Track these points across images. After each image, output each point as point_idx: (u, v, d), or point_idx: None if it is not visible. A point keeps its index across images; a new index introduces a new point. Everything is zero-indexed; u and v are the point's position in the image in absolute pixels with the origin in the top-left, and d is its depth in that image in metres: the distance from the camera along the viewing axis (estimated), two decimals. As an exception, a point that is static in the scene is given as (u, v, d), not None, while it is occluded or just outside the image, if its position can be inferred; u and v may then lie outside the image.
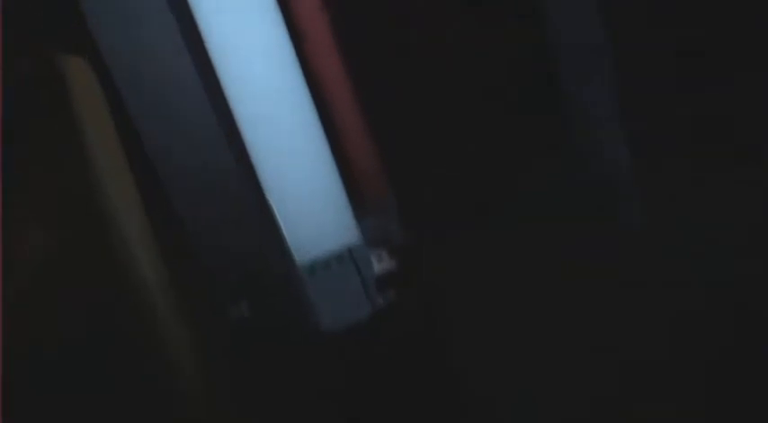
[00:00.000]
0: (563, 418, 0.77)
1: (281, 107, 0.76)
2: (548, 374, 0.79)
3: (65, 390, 0.69)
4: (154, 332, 0.70)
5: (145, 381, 0.71)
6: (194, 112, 0.74)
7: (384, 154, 0.85)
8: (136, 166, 0.75)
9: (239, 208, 0.76)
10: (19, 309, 0.66)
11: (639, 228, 0.87)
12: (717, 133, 0.87)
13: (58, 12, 0.73)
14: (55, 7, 0.73)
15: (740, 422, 0.76)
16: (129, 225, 0.71)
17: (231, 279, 0.76)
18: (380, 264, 0.79)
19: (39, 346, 0.68)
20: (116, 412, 0.68)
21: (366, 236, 0.80)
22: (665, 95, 0.87)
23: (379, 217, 0.81)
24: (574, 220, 0.86)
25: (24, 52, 0.73)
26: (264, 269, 0.76)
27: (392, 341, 0.78)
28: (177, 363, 0.71)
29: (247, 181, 0.77)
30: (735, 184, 0.86)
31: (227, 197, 0.76)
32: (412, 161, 0.87)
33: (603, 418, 0.77)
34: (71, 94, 0.71)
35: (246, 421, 0.74)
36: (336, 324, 0.78)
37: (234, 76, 0.75)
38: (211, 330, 0.75)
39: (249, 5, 0.72)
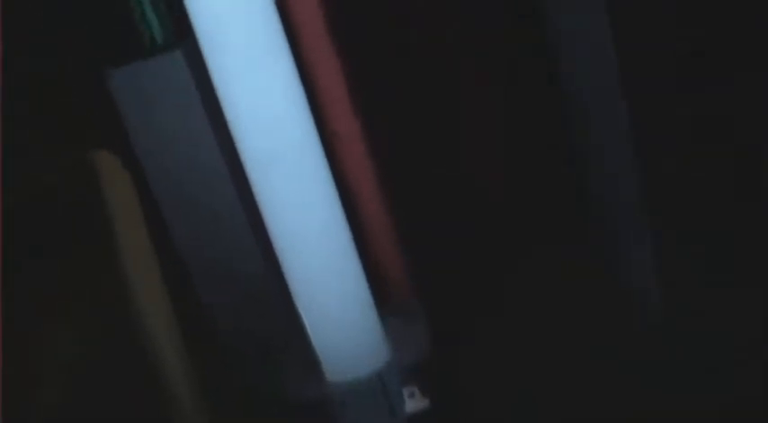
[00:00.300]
0: None
1: (314, 222, 0.74)
2: None
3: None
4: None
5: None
6: (224, 200, 0.76)
7: (411, 259, 0.86)
8: (164, 261, 0.77)
9: (271, 324, 0.77)
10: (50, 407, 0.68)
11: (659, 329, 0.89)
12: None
13: (92, 109, 0.73)
14: (88, 104, 0.73)
15: None
16: (157, 324, 0.73)
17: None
18: (412, 401, 0.79)
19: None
20: None
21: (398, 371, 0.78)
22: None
23: (404, 319, 0.81)
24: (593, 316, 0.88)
25: (58, 149, 0.73)
26: (296, 390, 0.77)
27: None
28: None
29: (277, 290, 0.78)
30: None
31: (259, 308, 0.78)
32: (437, 265, 0.88)
33: None
34: (102, 188, 0.72)
35: None
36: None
37: (265, 184, 0.74)
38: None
39: (282, 113, 0.71)
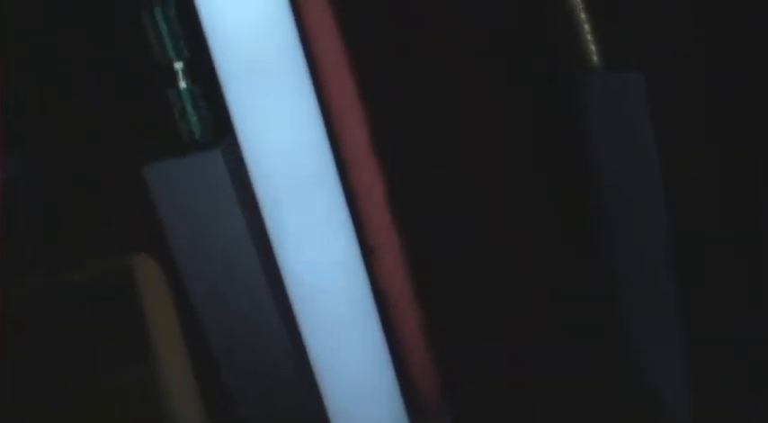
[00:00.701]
0: None
1: (346, 314, 0.74)
2: None
3: None
4: None
5: None
6: (263, 320, 0.74)
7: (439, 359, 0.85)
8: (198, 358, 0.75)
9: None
10: None
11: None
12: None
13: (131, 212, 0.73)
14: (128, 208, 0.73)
15: None
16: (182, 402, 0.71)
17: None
18: None
19: None
20: None
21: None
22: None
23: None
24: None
25: (97, 251, 0.73)
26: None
27: None
28: None
29: (307, 384, 0.77)
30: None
31: (288, 402, 0.76)
32: (465, 366, 0.87)
33: None
34: (138, 291, 0.71)
35: None
36: None
37: (301, 281, 0.73)
38: None
39: (321, 220, 0.71)
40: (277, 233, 0.70)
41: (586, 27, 0.81)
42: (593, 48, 0.81)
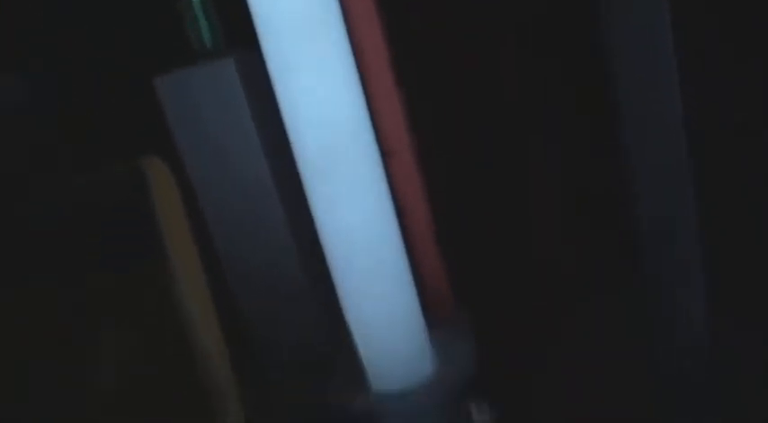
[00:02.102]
0: None
1: (367, 231, 0.73)
2: None
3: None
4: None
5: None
6: (268, 209, 0.74)
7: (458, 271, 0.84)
8: (207, 258, 0.75)
9: (317, 334, 0.75)
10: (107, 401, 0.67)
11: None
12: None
13: (139, 117, 0.73)
14: (137, 113, 0.73)
15: None
16: (202, 320, 0.71)
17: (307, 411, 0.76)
18: (479, 415, 0.77)
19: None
20: None
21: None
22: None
23: (451, 334, 0.79)
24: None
25: (110, 155, 0.73)
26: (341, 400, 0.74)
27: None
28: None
29: (322, 300, 0.76)
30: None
31: (303, 318, 0.76)
32: (485, 284, 0.86)
33: None
34: (150, 191, 0.71)
35: None
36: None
37: (317, 189, 0.72)
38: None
39: (343, 121, 0.70)
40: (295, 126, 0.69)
41: None
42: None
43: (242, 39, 0.78)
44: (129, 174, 0.71)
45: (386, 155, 0.77)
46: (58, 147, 0.74)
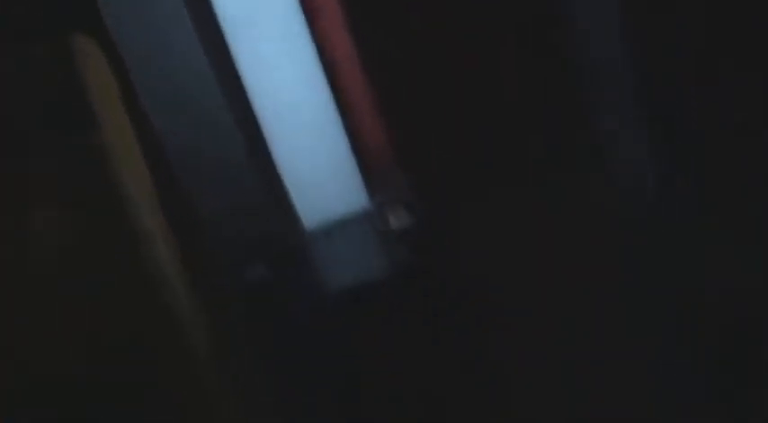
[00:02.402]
0: (587, 379, 0.77)
1: (290, 76, 0.75)
2: (565, 332, 0.79)
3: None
4: (167, 306, 0.70)
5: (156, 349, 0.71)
6: (200, 81, 0.74)
7: (393, 125, 0.84)
8: (143, 137, 0.74)
9: (250, 175, 0.76)
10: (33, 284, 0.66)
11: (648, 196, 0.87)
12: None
13: None
14: None
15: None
16: (140, 197, 0.70)
17: (245, 244, 0.76)
18: (398, 221, 0.78)
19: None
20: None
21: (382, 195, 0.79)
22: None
23: (389, 189, 0.81)
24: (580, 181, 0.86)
25: (37, 34, 0.71)
26: (278, 234, 0.76)
27: (410, 299, 0.78)
28: (192, 332, 0.71)
29: (256, 147, 0.77)
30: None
31: (237, 165, 0.76)
32: (421, 131, 0.86)
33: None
34: (81, 72, 0.69)
35: (262, 381, 0.74)
36: (353, 283, 0.78)
37: (243, 47, 0.73)
38: (225, 296, 0.75)
39: None
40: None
41: None
42: None
43: None
44: (57, 51, 0.70)
45: (310, 12, 0.77)
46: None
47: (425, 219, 0.80)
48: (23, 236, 0.66)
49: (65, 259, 0.67)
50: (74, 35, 0.71)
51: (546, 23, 0.87)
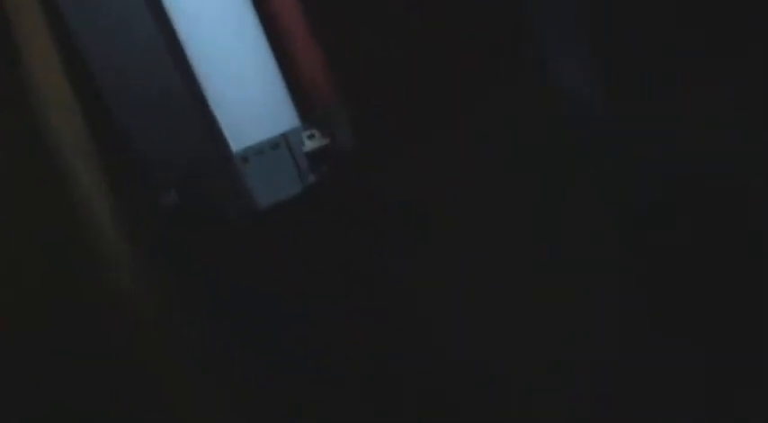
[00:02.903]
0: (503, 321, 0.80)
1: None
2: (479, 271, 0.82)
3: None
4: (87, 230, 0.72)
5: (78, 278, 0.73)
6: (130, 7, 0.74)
7: (331, 57, 0.84)
8: (65, 53, 0.75)
9: (171, 96, 0.77)
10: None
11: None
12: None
13: None
14: None
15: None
16: (58, 113, 0.72)
17: (163, 167, 0.78)
18: (312, 141, 0.81)
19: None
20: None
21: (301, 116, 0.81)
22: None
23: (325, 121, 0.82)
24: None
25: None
26: (197, 156, 0.78)
27: (325, 219, 0.81)
28: (113, 255, 0.74)
29: (179, 68, 0.78)
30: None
31: (158, 86, 0.77)
32: (360, 65, 0.86)
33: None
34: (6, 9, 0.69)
35: (183, 301, 0.77)
36: (269, 203, 0.81)
37: None
38: (146, 219, 0.77)
39: None
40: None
41: None
42: None
43: None
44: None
45: None
46: None
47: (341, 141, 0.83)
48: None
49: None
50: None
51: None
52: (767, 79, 0.84)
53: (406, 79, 0.89)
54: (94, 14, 0.75)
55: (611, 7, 0.85)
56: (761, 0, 0.85)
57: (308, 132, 0.82)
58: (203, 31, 0.79)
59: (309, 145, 0.82)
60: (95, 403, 0.71)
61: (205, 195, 0.80)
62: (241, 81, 0.80)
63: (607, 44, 0.86)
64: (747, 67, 0.85)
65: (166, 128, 0.78)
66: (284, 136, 0.82)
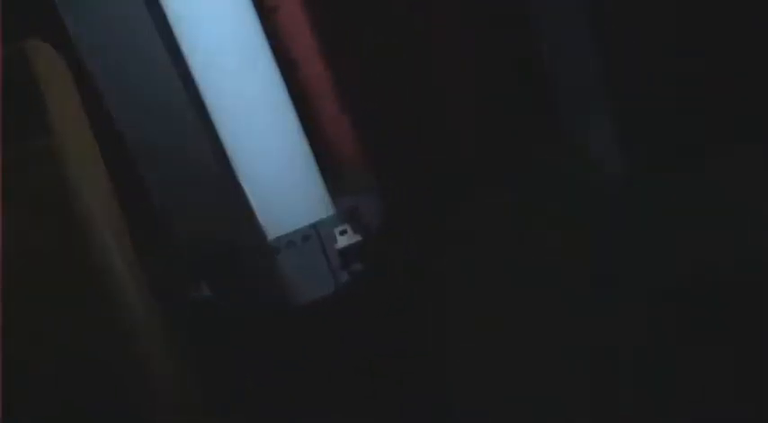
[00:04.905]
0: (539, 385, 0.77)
1: (250, 82, 0.75)
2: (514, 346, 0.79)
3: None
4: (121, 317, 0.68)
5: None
6: (164, 88, 0.73)
7: (363, 132, 0.84)
8: (103, 143, 0.72)
9: (210, 188, 0.75)
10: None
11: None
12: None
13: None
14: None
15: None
16: (94, 203, 0.68)
17: (197, 258, 0.75)
18: (345, 237, 0.78)
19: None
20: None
21: (336, 211, 0.79)
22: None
23: (357, 195, 0.80)
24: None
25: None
26: (232, 248, 0.75)
27: (357, 315, 0.77)
28: (143, 342, 0.69)
29: (217, 159, 0.76)
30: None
31: (196, 176, 0.75)
32: (392, 140, 0.86)
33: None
34: (35, 72, 0.67)
35: (214, 397, 0.72)
36: (302, 300, 0.77)
37: (199, 50, 0.73)
38: (179, 311, 0.73)
39: None
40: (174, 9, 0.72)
41: None
42: None
43: None
44: (11, 56, 0.68)
45: (268, 11, 0.78)
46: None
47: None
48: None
49: (15, 262, 0.65)
50: (29, 40, 0.69)
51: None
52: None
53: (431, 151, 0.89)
54: (130, 92, 0.73)
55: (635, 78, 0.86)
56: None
57: (340, 228, 0.79)
58: (237, 113, 0.77)
59: (342, 241, 0.79)
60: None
61: (237, 288, 0.76)
62: (272, 163, 0.78)
63: (630, 113, 0.87)
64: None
65: (200, 212, 0.75)
66: (315, 227, 0.79)
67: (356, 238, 0.78)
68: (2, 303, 0.64)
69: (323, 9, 0.81)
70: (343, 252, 0.78)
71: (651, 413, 0.72)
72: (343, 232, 0.78)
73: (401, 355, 0.78)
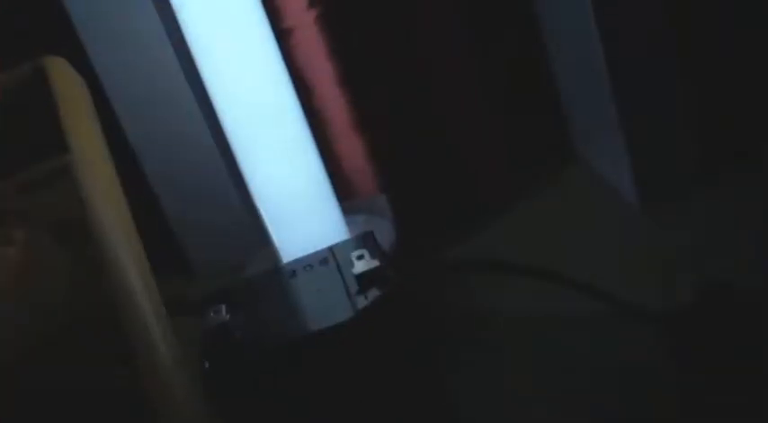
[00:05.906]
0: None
1: (266, 105, 0.74)
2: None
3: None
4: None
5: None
6: (180, 108, 0.73)
7: (376, 152, 0.83)
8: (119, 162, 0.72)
9: (224, 210, 0.74)
10: None
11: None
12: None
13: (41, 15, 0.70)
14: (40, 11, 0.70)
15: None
16: (110, 220, 0.67)
17: (212, 281, 0.74)
18: (361, 263, 0.76)
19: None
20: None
21: (352, 236, 0.78)
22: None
23: (370, 215, 0.80)
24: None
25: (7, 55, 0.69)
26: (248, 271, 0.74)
27: (375, 340, 0.76)
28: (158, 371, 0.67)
29: (234, 183, 0.76)
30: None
31: (212, 200, 0.75)
32: (405, 159, 0.86)
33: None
34: (53, 92, 0.66)
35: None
36: (319, 326, 0.75)
37: (216, 72, 0.73)
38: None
39: (233, 5, 0.70)
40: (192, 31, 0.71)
41: None
42: None
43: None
44: (29, 73, 0.67)
45: (284, 32, 0.78)
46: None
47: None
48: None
49: (27, 283, 0.63)
50: (47, 56, 0.69)
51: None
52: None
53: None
54: (146, 111, 0.73)
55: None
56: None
57: (357, 253, 0.77)
58: (253, 137, 0.76)
59: (359, 267, 0.77)
60: None
61: (253, 313, 0.74)
62: (290, 194, 0.77)
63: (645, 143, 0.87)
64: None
65: (214, 235, 0.74)
66: (332, 250, 0.77)
67: (374, 263, 0.77)
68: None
69: (340, 34, 0.81)
70: (360, 277, 0.76)
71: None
72: (360, 257, 0.77)
73: (415, 383, 0.77)
